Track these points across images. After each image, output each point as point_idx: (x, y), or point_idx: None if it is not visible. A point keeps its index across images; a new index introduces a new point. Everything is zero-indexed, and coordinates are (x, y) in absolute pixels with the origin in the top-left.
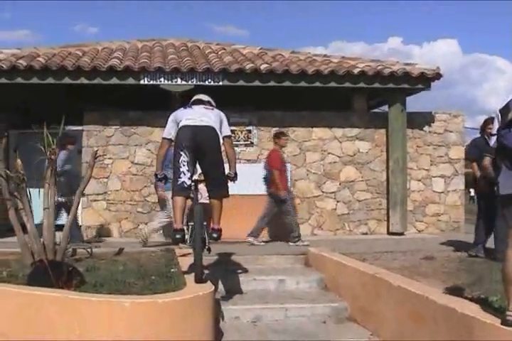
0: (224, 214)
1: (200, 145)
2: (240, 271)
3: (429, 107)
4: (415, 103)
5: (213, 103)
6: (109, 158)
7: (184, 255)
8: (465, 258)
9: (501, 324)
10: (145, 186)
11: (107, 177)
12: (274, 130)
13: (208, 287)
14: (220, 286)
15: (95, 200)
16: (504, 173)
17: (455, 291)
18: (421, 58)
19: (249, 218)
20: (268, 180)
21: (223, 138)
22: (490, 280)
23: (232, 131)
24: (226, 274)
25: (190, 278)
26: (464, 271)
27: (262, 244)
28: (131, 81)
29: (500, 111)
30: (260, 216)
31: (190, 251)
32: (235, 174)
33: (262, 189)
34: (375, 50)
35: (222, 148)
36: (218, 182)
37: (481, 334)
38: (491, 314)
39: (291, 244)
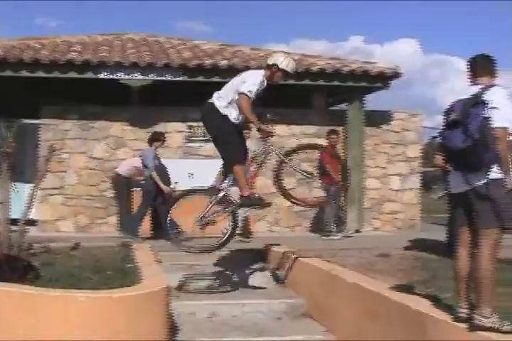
0: (180, 209)
1: (204, 123)
2: (196, 266)
3: (390, 106)
4: (376, 101)
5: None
6: (67, 153)
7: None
8: (420, 255)
9: (453, 320)
10: (102, 181)
11: (64, 172)
12: None
13: (163, 282)
14: (177, 282)
15: (51, 195)
16: (452, 173)
17: (410, 288)
18: (382, 57)
19: None
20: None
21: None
22: (444, 278)
23: (191, 127)
24: (183, 270)
25: (146, 273)
26: (419, 268)
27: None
28: (89, 75)
29: (444, 113)
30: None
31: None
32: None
33: None
34: (337, 48)
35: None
36: (222, 154)
37: (434, 331)
38: (443, 311)
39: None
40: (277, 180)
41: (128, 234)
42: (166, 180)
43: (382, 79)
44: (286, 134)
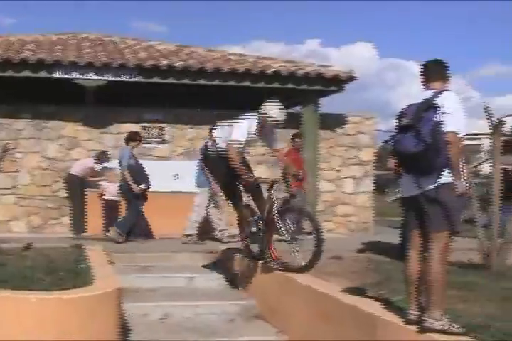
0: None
1: None
2: (150, 267)
3: (345, 109)
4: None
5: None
6: (20, 152)
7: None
8: (373, 258)
9: (404, 322)
10: (56, 181)
11: (16, 172)
12: (188, 127)
13: (115, 283)
14: (130, 283)
15: (4, 194)
16: (403, 177)
17: (362, 291)
18: (338, 61)
19: (159, 214)
20: None
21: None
22: (396, 280)
23: (145, 128)
24: (137, 271)
25: (99, 274)
26: (371, 271)
27: None
28: (43, 74)
29: (397, 117)
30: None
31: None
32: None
33: (175, 186)
34: (294, 51)
35: None
36: None
37: (385, 333)
38: (395, 313)
39: None
40: None
41: (117, 233)
42: (143, 180)
43: (337, 82)
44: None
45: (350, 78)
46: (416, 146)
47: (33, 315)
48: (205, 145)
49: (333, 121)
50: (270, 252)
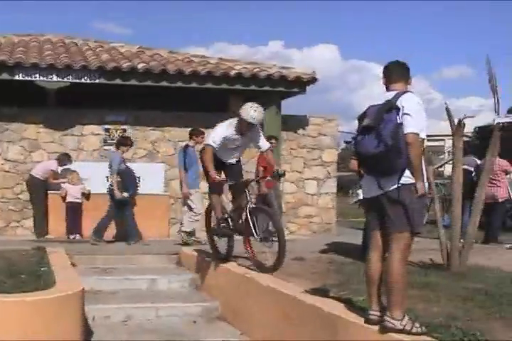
0: (96, 213)
1: None
2: (113, 270)
3: (308, 111)
4: (293, 107)
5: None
6: None
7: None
8: (336, 259)
9: (365, 322)
10: (17, 183)
11: None
12: (150, 129)
13: (77, 286)
14: (92, 285)
15: None
16: (364, 178)
17: (324, 291)
18: (301, 62)
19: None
20: None
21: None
22: (358, 281)
23: (108, 130)
24: (98, 273)
25: (61, 276)
26: (333, 271)
27: None
28: (5, 76)
29: (358, 118)
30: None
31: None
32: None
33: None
34: (257, 52)
35: None
36: None
37: (346, 333)
38: (356, 313)
39: None
40: None
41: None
42: (133, 185)
43: (299, 84)
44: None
45: (313, 79)
46: (376, 147)
47: None
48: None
49: (295, 123)
50: (247, 250)
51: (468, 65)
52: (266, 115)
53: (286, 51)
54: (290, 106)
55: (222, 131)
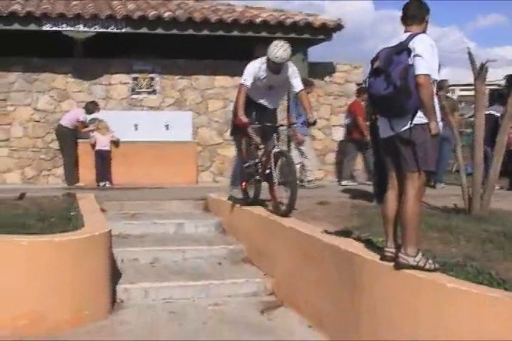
0: (125, 160)
1: None
2: (141, 215)
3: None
4: (325, 55)
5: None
6: (12, 105)
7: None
8: (358, 203)
9: (380, 259)
10: (48, 133)
11: (9, 124)
12: (177, 78)
13: (104, 227)
14: (120, 230)
15: None
16: (379, 119)
17: (345, 233)
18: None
19: (150, 164)
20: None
21: None
22: (379, 224)
23: (135, 79)
24: (127, 218)
25: (89, 220)
26: (355, 215)
27: (355, 184)
28: (33, 27)
29: (371, 61)
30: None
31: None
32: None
33: (163, 136)
34: (287, 3)
35: None
36: None
37: (361, 270)
38: (374, 252)
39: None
40: None
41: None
42: None
43: (325, 31)
44: (230, 85)
45: (338, 26)
46: (386, 89)
47: (24, 257)
48: None
49: (322, 70)
50: (270, 194)
51: (503, 13)
52: (292, 62)
53: (317, 2)
54: (323, 55)
55: (253, 69)
